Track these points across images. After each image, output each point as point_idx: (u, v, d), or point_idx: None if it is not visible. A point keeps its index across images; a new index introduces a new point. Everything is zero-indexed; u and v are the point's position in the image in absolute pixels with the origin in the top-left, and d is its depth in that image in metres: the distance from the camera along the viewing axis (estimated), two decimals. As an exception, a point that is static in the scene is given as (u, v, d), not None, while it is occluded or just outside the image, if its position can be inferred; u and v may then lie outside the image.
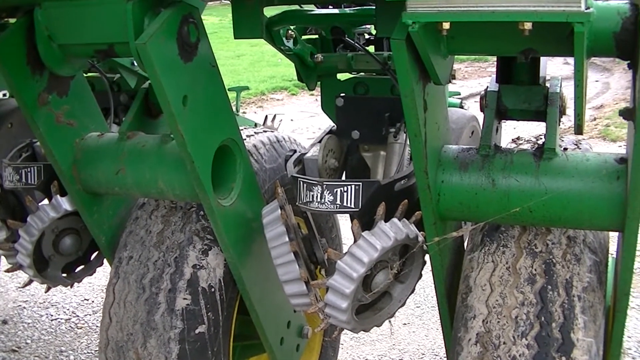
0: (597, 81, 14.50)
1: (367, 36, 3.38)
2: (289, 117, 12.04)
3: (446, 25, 1.74)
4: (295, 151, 2.76)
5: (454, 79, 2.35)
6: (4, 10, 3.13)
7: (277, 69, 16.16)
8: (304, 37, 3.19)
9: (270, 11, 2.81)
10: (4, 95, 3.87)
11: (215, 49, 2.46)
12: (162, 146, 2.67)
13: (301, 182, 2.40)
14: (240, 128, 2.74)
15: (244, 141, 2.75)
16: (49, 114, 2.66)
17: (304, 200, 2.39)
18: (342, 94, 2.84)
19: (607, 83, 14.34)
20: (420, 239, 2.33)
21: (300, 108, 13.00)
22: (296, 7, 2.95)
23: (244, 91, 6.25)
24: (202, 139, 2.42)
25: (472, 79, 15.84)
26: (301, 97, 14.04)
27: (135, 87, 3.64)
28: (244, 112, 12.26)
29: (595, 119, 11.12)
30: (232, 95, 5.55)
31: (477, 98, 2.45)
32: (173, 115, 2.27)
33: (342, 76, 3.12)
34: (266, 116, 4.78)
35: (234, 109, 5.33)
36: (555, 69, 11.37)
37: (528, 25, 1.67)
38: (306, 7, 3.01)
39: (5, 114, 3.73)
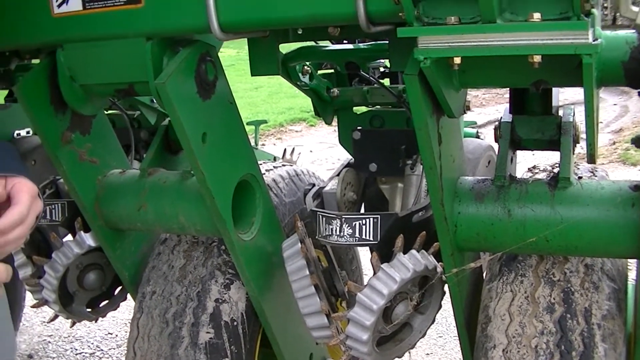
0: (615, 104, 14.47)
1: (382, 69, 3.42)
2: (308, 148, 12.09)
3: (457, 60, 1.77)
4: (314, 185, 2.79)
5: (469, 109, 2.37)
6: (27, 52, 3.21)
7: (295, 100, 16.23)
8: (319, 71, 3.24)
9: (285, 47, 2.86)
10: (27, 132, 3.92)
11: (233, 82, 2.50)
12: (183, 182, 2.71)
13: (320, 216, 2.43)
14: (260, 162, 2.78)
15: (263, 175, 2.78)
16: (72, 152, 2.71)
17: (324, 234, 2.42)
18: (358, 127, 2.87)
19: (626, 106, 14.31)
20: (439, 270, 2.35)
21: (319, 139, 13.05)
22: (311, 43, 2.99)
23: (262, 124, 6.30)
24: (222, 175, 2.46)
25: (490, 105, 15.84)
26: (320, 128, 14.08)
27: (155, 124, 3.69)
28: (263, 144, 12.33)
29: (614, 143, 11.09)
30: (250, 128, 5.60)
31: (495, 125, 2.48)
32: (193, 152, 2.31)
33: (358, 109, 3.16)
34: (285, 149, 4.82)
35: (252, 142, 5.39)
36: (572, 92, 11.36)
37: (538, 58, 1.70)
38: (321, 42, 3.05)
39: (29, 151, 3.78)
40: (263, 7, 2.09)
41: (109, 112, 3.63)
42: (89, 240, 2.96)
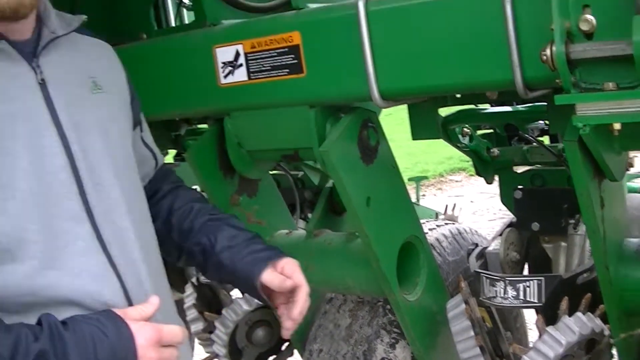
0: None
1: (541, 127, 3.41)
2: (469, 198, 11.97)
3: (617, 126, 1.75)
4: (476, 245, 2.81)
5: (631, 166, 2.35)
6: (196, 119, 3.40)
7: (454, 149, 16.10)
8: (478, 131, 3.26)
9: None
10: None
11: (391, 131, 2.55)
12: (348, 244, 2.78)
13: (484, 278, 2.45)
14: (422, 221, 2.83)
15: (426, 235, 2.82)
16: (240, 214, 2.82)
17: (488, 296, 2.44)
18: (519, 187, 2.88)
19: None
20: (607, 333, 2.32)
21: (480, 189, 12.89)
22: (470, 106, 3.03)
23: (423, 180, 6.33)
24: (386, 237, 2.52)
25: (657, 151, 15.23)
26: (480, 178, 13.88)
27: (319, 184, 3.79)
28: (424, 195, 12.29)
29: None
30: (411, 184, 5.66)
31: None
32: (357, 216, 2.39)
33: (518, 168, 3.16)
34: (446, 205, 4.82)
35: (413, 198, 5.42)
36: None
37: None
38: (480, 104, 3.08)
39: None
40: (422, 76, 2.14)
41: (274, 172, 3.77)
42: (257, 297, 3.06)
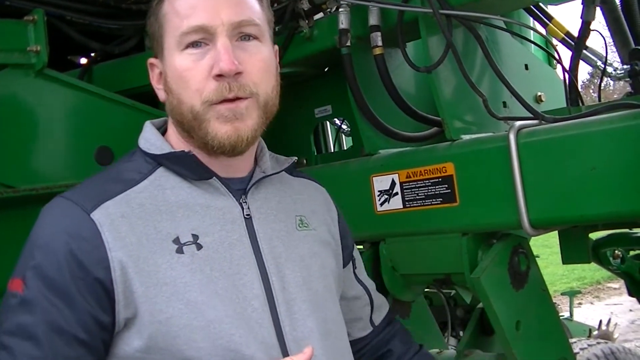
0: None
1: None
2: (627, 307, 11.56)
3: None
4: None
5: None
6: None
7: (613, 255, 15.63)
8: (631, 252, 3.26)
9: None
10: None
11: (546, 237, 2.55)
12: (498, 365, 2.83)
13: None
14: (573, 340, 2.84)
15: (577, 355, 2.83)
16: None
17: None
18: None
19: None
20: None
21: (639, 297, 12.43)
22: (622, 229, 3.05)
23: (576, 294, 6.23)
24: (536, 360, 2.55)
25: None
26: (639, 286, 13.41)
27: (470, 302, 3.84)
28: (579, 304, 11.97)
29: None
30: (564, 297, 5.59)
31: None
32: (507, 340, 2.43)
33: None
34: (600, 321, 4.76)
35: (567, 314, 5.36)
36: None
37: None
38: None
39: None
40: (572, 206, 2.20)
41: (426, 290, 3.86)
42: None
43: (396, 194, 2.55)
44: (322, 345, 1.88)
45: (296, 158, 2.12)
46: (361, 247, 3.32)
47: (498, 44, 2.88)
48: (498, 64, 2.51)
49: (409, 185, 2.52)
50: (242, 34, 1.81)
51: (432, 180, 2.46)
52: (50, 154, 2.27)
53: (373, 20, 2.61)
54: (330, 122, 4.04)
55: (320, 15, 2.92)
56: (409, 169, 2.52)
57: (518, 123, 2.29)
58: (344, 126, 3.83)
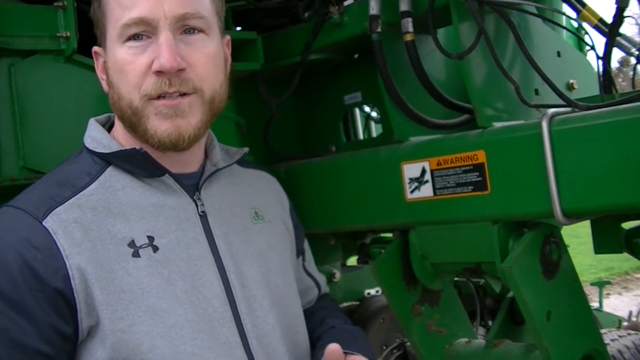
0: None
1: None
2: (656, 298, 11.51)
3: None
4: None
5: None
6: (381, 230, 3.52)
7: (641, 246, 15.48)
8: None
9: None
10: (377, 292, 4.22)
11: (575, 227, 2.50)
12: (527, 355, 2.76)
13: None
14: (604, 331, 2.81)
15: (608, 345, 2.80)
16: (422, 323, 2.88)
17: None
18: None
19: None
20: None
21: (668, 288, 12.38)
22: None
23: (606, 285, 6.18)
24: (566, 351, 2.51)
25: None
26: (669, 276, 13.35)
27: (500, 292, 3.81)
28: (608, 294, 11.90)
29: None
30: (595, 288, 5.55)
31: None
32: (537, 330, 2.40)
33: None
34: (630, 312, 4.71)
35: (597, 303, 5.32)
36: None
37: None
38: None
39: (378, 310, 4.06)
40: (606, 195, 2.16)
41: (455, 279, 3.83)
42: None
43: (427, 181, 2.53)
44: (284, 342, 1.89)
45: (247, 149, 2.09)
46: (390, 235, 3.32)
47: (530, 30, 2.84)
48: (530, 51, 2.48)
49: (439, 172, 2.50)
50: (186, 27, 1.76)
51: (463, 168, 2.44)
52: (79, 141, 2.25)
53: (404, 6, 2.58)
54: (359, 109, 4.02)
55: (350, 1, 2.90)
56: (439, 157, 2.50)
57: (551, 110, 2.25)
58: (373, 113, 3.81)
